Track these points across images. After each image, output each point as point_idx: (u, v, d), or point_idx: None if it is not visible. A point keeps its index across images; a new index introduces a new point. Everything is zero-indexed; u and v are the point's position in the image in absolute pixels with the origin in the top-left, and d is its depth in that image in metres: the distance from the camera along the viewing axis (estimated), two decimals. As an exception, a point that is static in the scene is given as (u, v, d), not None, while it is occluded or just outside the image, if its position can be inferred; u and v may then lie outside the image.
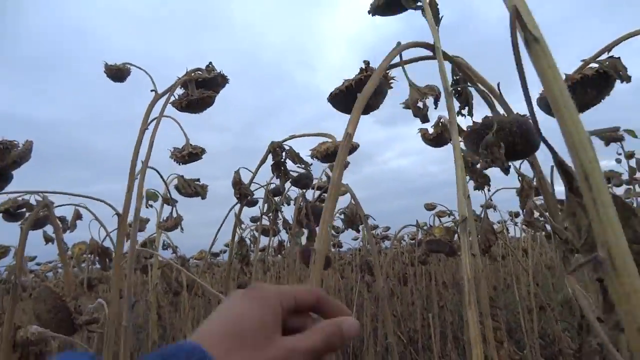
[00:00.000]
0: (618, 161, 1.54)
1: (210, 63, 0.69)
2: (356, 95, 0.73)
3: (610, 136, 1.45)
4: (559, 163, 0.33)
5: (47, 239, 1.31)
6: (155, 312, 1.28)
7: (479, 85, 0.70)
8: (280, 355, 0.28)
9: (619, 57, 0.66)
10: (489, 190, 0.91)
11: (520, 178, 0.66)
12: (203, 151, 0.72)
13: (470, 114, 0.77)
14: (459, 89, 0.76)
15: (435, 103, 0.70)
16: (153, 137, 0.59)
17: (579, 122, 0.26)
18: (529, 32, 0.30)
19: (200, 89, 0.65)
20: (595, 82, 0.65)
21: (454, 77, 0.76)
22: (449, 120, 0.54)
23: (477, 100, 0.78)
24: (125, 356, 0.63)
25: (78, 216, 1.35)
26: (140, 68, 0.64)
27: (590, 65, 0.67)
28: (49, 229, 1.26)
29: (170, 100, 0.64)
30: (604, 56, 0.67)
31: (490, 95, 0.69)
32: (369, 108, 0.76)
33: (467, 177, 0.94)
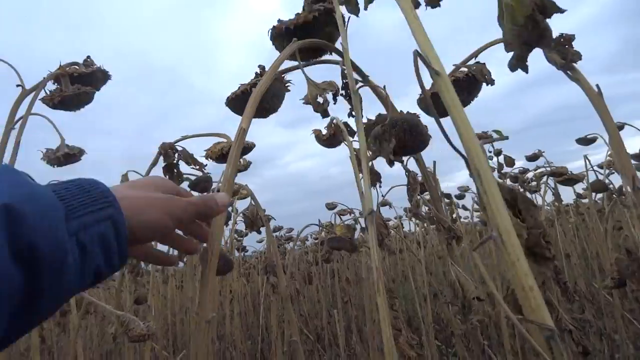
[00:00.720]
0: (490, 158, 1.74)
1: (89, 57, 0.64)
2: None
3: (481, 137, 1.63)
4: (462, 155, 0.36)
5: None
6: (38, 335, 1.15)
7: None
8: (163, 197, 0.38)
9: (484, 63, 0.74)
10: (380, 187, 0.96)
11: (407, 173, 0.71)
12: (81, 152, 0.66)
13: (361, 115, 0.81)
14: (348, 91, 0.80)
15: (334, 98, 0.71)
16: (19, 137, 0.53)
17: (473, 133, 0.33)
18: (431, 68, 0.36)
19: (76, 85, 0.59)
20: (465, 84, 0.72)
21: (343, 81, 0.79)
22: (356, 119, 0.56)
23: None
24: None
25: None
26: (3, 61, 0.57)
27: (461, 69, 0.74)
28: None
29: (40, 96, 0.58)
30: (472, 62, 0.75)
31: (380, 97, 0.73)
32: (267, 111, 0.77)
33: (361, 175, 0.98)
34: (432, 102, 0.68)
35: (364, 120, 0.72)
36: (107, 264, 0.33)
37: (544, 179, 1.78)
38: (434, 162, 0.72)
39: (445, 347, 2.67)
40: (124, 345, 2.01)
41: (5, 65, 0.81)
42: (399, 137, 0.58)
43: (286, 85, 0.77)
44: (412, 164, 0.71)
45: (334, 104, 0.71)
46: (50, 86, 0.64)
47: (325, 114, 0.71)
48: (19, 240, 0.26)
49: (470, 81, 0.71)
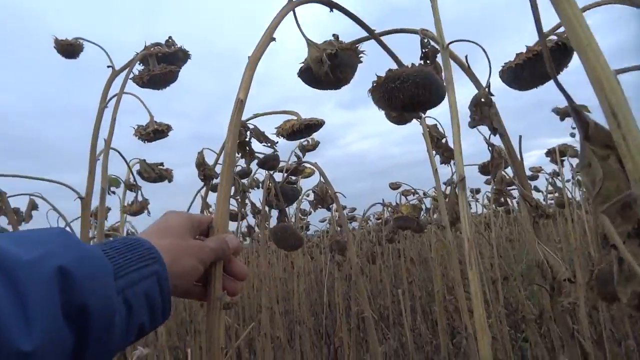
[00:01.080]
0: (573, 135, 1.61)
1: (170, 37, 0.66)
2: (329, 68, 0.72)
3: (566, 111, 1.51)
4: (574, 109, 0.32)
5: (1, 232, 1.24)
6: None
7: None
8: (195, 245, 0.40)
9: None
10: (454, 164, 0.92)
11: (490, 148, 0.67)
12: (169, 128, 0.69)
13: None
14: (428, 61, 0.77)
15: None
16: (115, 114, 0.56)
17: (603, 58, 0.26)
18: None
19: (162, 64, 0.62)
20: (555, 53, 0.67)
21: (423, 50, 0.76)
22: (446, 79, 0.52)
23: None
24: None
25: (33, 206, 1.28)
26: (94, 43, 0.61)
27: (549, 38, 0.68)
28: (3, 220, 1.20)
29: (130, 76, 0.61)
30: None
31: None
32: (339, 82, 0.75)
33: (434, 152, 0.95)
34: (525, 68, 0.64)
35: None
36: (151, 319, 0.34)
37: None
38: (520, 137, 0.68)
39: (515, 332, 2.58)
40: (197, 315, 2.13)
41: (90, 50, 0.86)
42: (412, 92, 0.56)
43: (359, 56, 0.75)
44: (496, 139, 0.68)
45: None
46: (135, 66, 0.67)
47: (327, 76, 0.66)
48: (71, 301, 0.28)
49: (560, 50, 0.66)
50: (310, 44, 0.61)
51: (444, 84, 0.58)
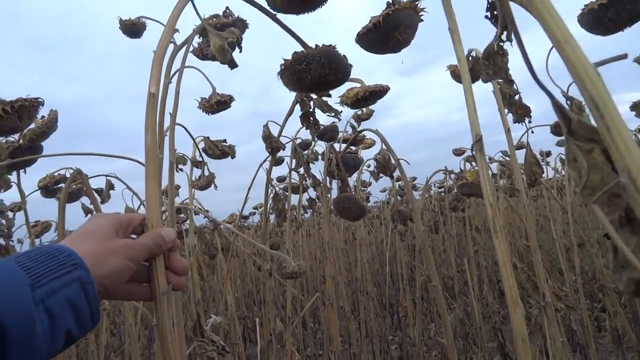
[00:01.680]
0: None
1: (228, 8, 0.65)
2: (385, 32, 0.68)
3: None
4: (557, 106, 0.31)
5: (86, 211, 1.33)
6: (198, 273, 1.30)
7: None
8: (122, 244, 0.39)
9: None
10: (529, 122, 0.86)
11: (568, 102, 0.61)
12: (231, 99, 0.69)
13: (510, 39, 0.71)
14: (494, 12, 0.70)
15: (239, 46, 0.62)
16: (178, 87, 0.57)
17: (581, 52, 0.27)
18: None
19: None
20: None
21: (488, 2, 0.70)
22: (451, 29, 0.49)
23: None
24: (177, 314, 0.63)
25: (110, 186, 1.36)
26: (155, 20, 0.61)
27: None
28: (86, 201, 1.28)
29: (190, 49, 0.61)
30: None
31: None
32: (400, 44, 0.71)
33: (506, 110, 0.89)
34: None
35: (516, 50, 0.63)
36: (78, 325, 0.34)
37: None
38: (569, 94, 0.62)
39: (590, 302, 2.44)
40: (265, 285, 2.20)
41: (153, 29, 0.87)
42: (319, 72, 0.57)
43: (420, 15, 0.70)
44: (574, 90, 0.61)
45: (240, 52, 0.63)
46: (195, 39, 0.67)
47: (232, 64, 0.63)
48: None
49: None
50: (211, 32, 0.60)
51: (348, 62, 0.60)
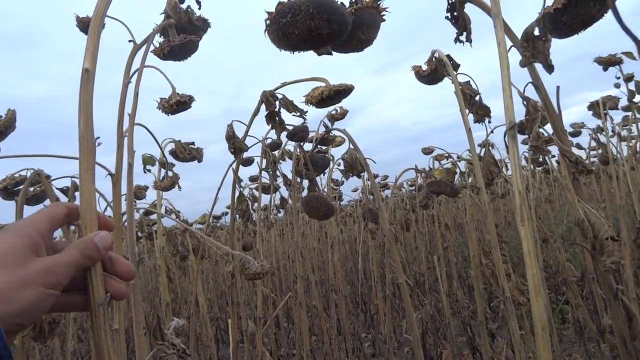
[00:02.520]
0: (617, 86, 1.51)
1: (189, 7, 0.65)
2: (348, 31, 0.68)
3: (609, 60, 1.41)
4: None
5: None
6: (166, 275, 1.28)
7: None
8: (39, 270, 0.32)
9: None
10: (489, 122, 0.88)
11: (524, 102, 0.63)
12: (191, 99, 0.68)
13: (469, 40, 0.73)
14: (455, 13, 0.72)
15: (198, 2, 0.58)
16: (137, 88, 0.56)
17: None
18: None
19: (182, 34, 0.61)
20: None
21: (449, 1, 0.71)
22: (493, 13, 0.49)
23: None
24: (138, 318, 0.62)
25: (76, 188, 1.32)
26: (114, 18, 0.60)
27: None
28: (49, 203, 1.25)
29: (151, 49, 0.60)
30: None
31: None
32: (362, 43, 0.72)
33: (467, 111, 0.91)
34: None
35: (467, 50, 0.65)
36: None
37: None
38: (558, 88, 0.64)
39: (555, 295, 2.53)
40: (236, 287, 2.19)
41: (114, 27, 0.85)
42: (309, 25, 0.50)
43: (382, 14, 0.70)
44: (531, 91, 0.63)
45: (199, 8, 0.59)
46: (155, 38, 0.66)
47: (191, 25, 0.59)
48: None
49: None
50: None
51: (346, 10, 0.52)
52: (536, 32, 0.47)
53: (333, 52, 0.64)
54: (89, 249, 0.36)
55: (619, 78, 1.43)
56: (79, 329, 2.20)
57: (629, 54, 1.34)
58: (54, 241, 0.38)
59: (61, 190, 1.35)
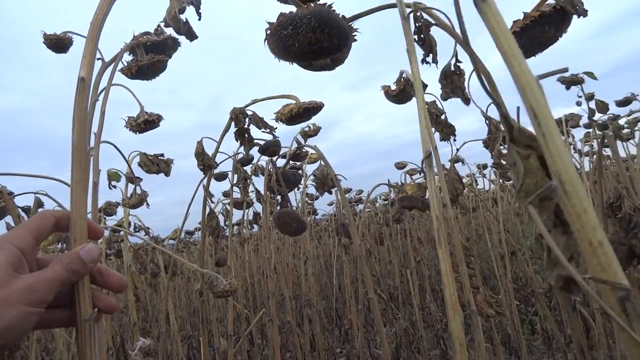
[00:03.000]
0: (579, 104, 1.58)
1: (159, 26, 0.65)
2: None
3: (571, 80, 1.48)
4: (503, 115, 0.34)
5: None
6: (133, 294, 1.26)
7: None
8: (18, 290, 0.31)
9: (574, -7, 0.65)
10: (455, 140, 0.91)
11: (487, 121, 0.66)
12: (160, 118, 0.68)
13: (435, 61, 0.76)
14: (422, 36, 0.75)
15: (198, 12, 0.59)
16: (104, 107, 0.55)
17: (525, 66, 0.29)
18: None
19: (150, 54, 0.61)
20: (553, 18, 0.65)
21: (416, 24, 0.74)
22: (408, 49, 0.51)
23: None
24: (102, 339, 0.61)
25: (39, 204, 1.29)
26: (82, 36, 0.60)
27: (547, 2, 0.67)
28: (10, 220, 1.21)
29: (118, 67, 0.60)
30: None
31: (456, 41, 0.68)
32: (334, 62, 0.74)
33: (433, 129, 0.94)
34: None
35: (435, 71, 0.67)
36: None
37: (639, 125, 1.61)
38: (518, 108, 0.67)
39: (525, 306, 2.58)
40: (209, 304, 2.15)
41: (79, 43, 0.85)
42: (310, 38, 0.50)
43: (353, 35, 0.72)
44: (493, 111, 0.66)
45: (199, 19, 0.58)
46: (124, 57, 0.66)
47: (190, 35, 0.59)
48: None
49: (558, 14, 0.64)
50: None
51: (345, 22, 0.53)
52: (452, 68, 0.50)
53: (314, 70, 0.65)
54: (74, 264, 0.35)
55: (580, 97, 1.50)
56: (42, 350, 2.12)
57: (590, 74, 1.41)
58: (39, 257, 0.36)
59: (23, 209, 1.31)
